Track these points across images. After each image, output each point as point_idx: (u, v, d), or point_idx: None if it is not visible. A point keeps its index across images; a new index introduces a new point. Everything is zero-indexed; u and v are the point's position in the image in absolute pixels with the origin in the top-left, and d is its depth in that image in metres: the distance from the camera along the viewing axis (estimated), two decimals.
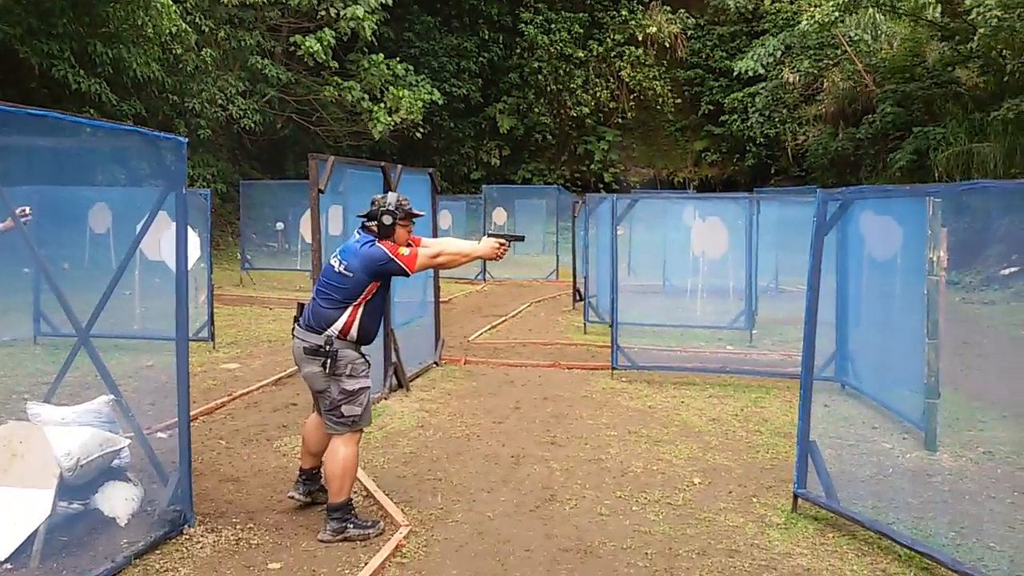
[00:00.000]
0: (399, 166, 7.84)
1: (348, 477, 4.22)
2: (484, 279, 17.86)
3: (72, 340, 8.29)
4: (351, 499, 4.28)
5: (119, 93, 16.72)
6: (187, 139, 4.32)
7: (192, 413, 6.38)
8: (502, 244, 4.51)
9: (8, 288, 9.29)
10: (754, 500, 4.85)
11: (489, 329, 11.19)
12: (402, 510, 4.49)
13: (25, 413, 4.38)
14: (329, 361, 4.14)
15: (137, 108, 17.85)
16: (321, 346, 4.16)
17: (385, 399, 7.05)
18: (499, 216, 21.62)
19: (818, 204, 4.53)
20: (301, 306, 4.44)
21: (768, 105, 26.96)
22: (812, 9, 21.80)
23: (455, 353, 9.21)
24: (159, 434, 5.74)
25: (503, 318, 12.17)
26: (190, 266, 10.30)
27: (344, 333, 4.20)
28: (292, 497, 4.57)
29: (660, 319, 10.99)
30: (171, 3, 17.26)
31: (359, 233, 4.38)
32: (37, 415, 4.29)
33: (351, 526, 4.19)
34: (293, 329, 4.36)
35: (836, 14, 18.68)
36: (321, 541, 4.14)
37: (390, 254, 4.24)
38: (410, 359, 8.11)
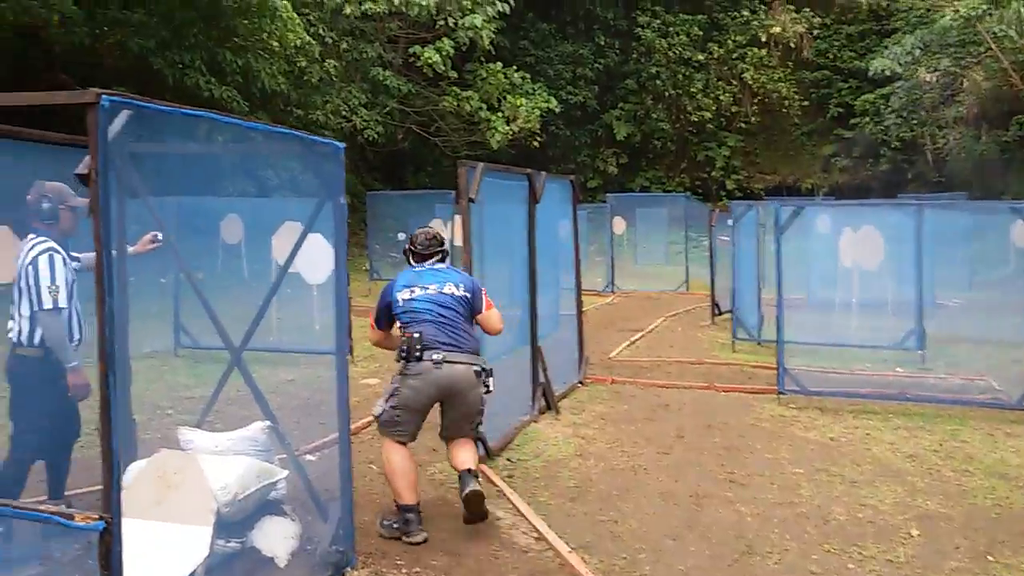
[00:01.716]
0: (543, 173, 7.36)
1: None
2: (613, 291, 17.24)
3: (214, 352, 8.16)
4: None
5: (248, 103, 16.93)
6: (344, 144, 3.92)
7: (334, 436, 6.05)
8: None
9: (147, 298, 9.27)
10: (989, 558, 4.12)
11: (629, 345, 10.59)
12: (583, 559, 3.96)
13: (177, 439, 4.07)
14: (491, 379, 4.54)
15: (264, 120, 18.08)
16: (484, 367, 4.47)
17: (535, 422, 6.56)
18: (618, 225, 20.98)
19: None
20: (413, 338, 4.32)
21: (904, 106, 25.38)
22: (955, 3, 20.39)
23: (598, 372, 8.66)
24: (307, 456, 5.42)
25: (640, 333, 11.54)
26: (324, 279, 10.13)
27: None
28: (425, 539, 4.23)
29: (812, 337, 10.11)
30: (295, 16, 17.40)
31: (438, 265, 4.71)
32: (190, 442, 3.97)
33: None
34: (438, 359, 4.29)
35: (983, 7, 17.27)
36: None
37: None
38: (554, 378, 7.62)
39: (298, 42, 17.65)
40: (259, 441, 4.01)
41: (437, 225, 16.01)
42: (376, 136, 21.13)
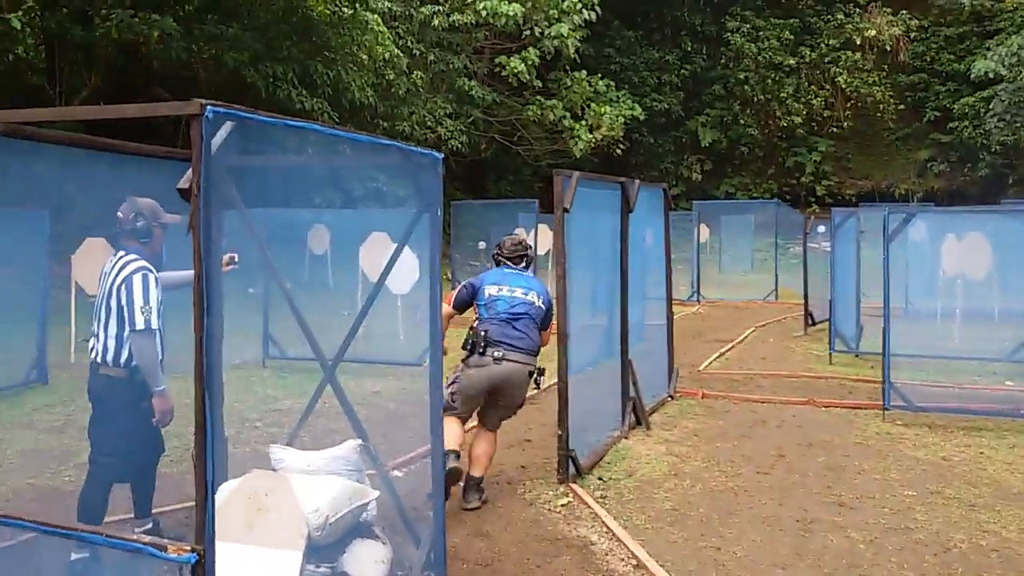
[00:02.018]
0: (636, 181, 7.15)
1: None
2: (698, 300, 16.81)
3: (300, 364, 8.19)
4: None
5: (338, 115, 17.16)
6: (443, 155, 3.83)
7: (421, 450, 5.97)
8: None
9: (235, 309, 9.38)
10: None
11: (718, 357, 10.26)
12: None
13: (268, 457, 4.02)
14: (542, 378, 5.15)
15: (354, 132, 18.28)
16: (535, 368, 5.04)
17: (625, 438, 6.35)
18: (702, 232, 20.57)
19: None
20: (479, 334, 4.94)
21: (1007, 109, 24.13)
22: None
23: (688, 385, 8.40)
24: (394, 472, 5.34)
25: (729, 344, 11.18)
26: (408, 289, 10.12)
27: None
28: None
29: (916, 349, 9.56)
30: (385, 29, 17.59)
31: (523, 271, 5.30)
32: (281, 461, 3.91)
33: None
34: (498, 356, 4.88)
35: None
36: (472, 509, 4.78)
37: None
38: (643, 391, 7.41)
39: (387, 55, 17.89)
40: (351, 461, 3.92)
41: (520, 234, 15.97)
42: (460, 146, 21.19)
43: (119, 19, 13.02)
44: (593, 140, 23.11)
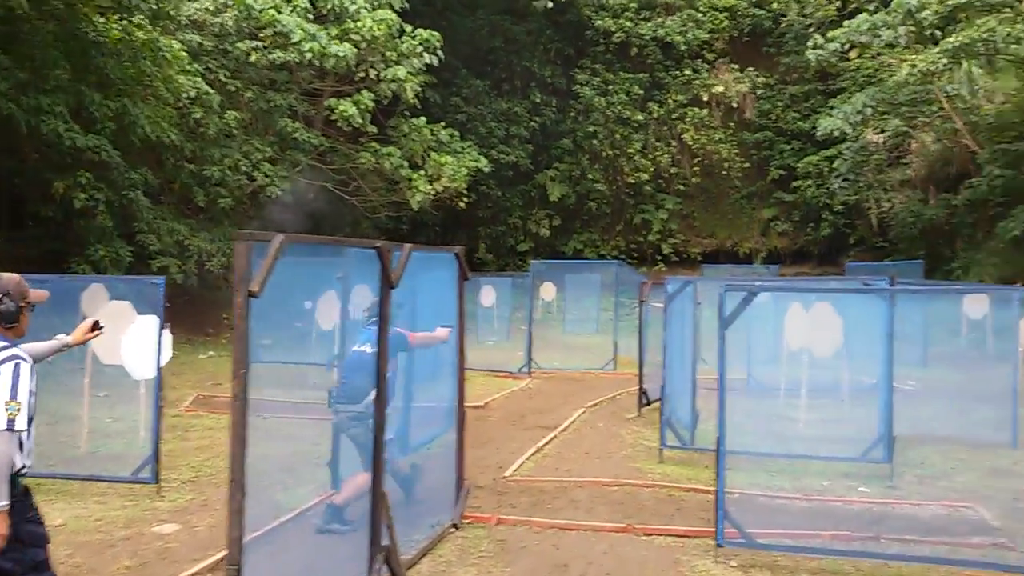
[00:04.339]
0: (406, 246, 5.43)
1: None
2: (529, 372, 14.98)
3: None
4: None
5: (127, 155, 14.81)
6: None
7: None
8: None
9: None
10: None
11: (534, 453, 8.58)
12: None
13: None
14: None
15: (148, 178, 15.90)
16: None
17: None
18: (547, 291, 19.27)
19: None
20: None
21: (851, 169, 24.17)
22: (914, 58, 19.37)
23: (484, 501, 6.67)
24: None
25: (552, 433, 9.48)
26: (152, 373, 8.05)
27: None
28: None
29: (757, 442, 8.14)
30: (184, 55, 15.54)
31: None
32: None
33: None
34: None
35: (943, 62, 16.15)
36: None
37: None
38: (415, 518, 5.70)
39: (192, 92, 15.87)
40: None
41: (332, 296, 14.00)
42: (282, 193, 19.15)
43: None
44: (433, 191, 21.60)
